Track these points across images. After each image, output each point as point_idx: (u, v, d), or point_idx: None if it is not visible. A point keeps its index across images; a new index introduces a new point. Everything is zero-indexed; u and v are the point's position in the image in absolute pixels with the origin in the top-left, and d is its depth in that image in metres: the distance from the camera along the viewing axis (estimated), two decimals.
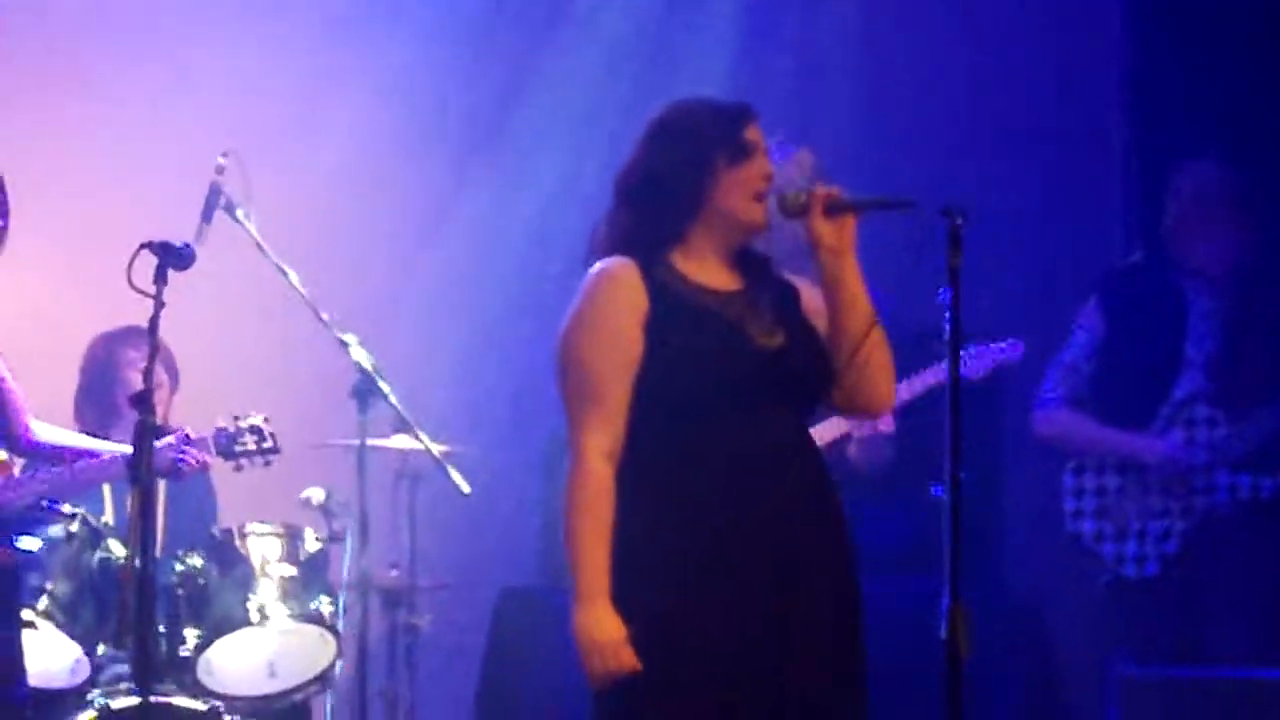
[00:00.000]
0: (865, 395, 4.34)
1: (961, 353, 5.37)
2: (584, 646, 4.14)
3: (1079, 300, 6.41)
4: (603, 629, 4.12)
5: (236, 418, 5.93)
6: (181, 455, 5.83)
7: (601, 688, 4.14)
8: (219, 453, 5.90)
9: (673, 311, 4.20)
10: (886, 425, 5.88)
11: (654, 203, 4.28)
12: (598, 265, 4.26)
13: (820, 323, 4.31)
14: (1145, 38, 7.20)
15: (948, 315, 4.10)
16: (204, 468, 5.94)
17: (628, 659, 4.10)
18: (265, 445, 5.92)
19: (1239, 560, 6.14)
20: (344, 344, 6.09)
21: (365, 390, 6.12)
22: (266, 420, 5.95)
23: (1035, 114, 7.28)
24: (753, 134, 4.30)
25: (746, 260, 4.35)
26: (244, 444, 5.91)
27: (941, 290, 4.11)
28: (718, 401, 4.18)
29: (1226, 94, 6.84)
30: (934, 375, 5.88)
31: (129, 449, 5.24)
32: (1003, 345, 6.16)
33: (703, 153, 4.25)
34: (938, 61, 7.35)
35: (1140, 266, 6.48)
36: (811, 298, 4.34)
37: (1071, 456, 6.32)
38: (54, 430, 5.82)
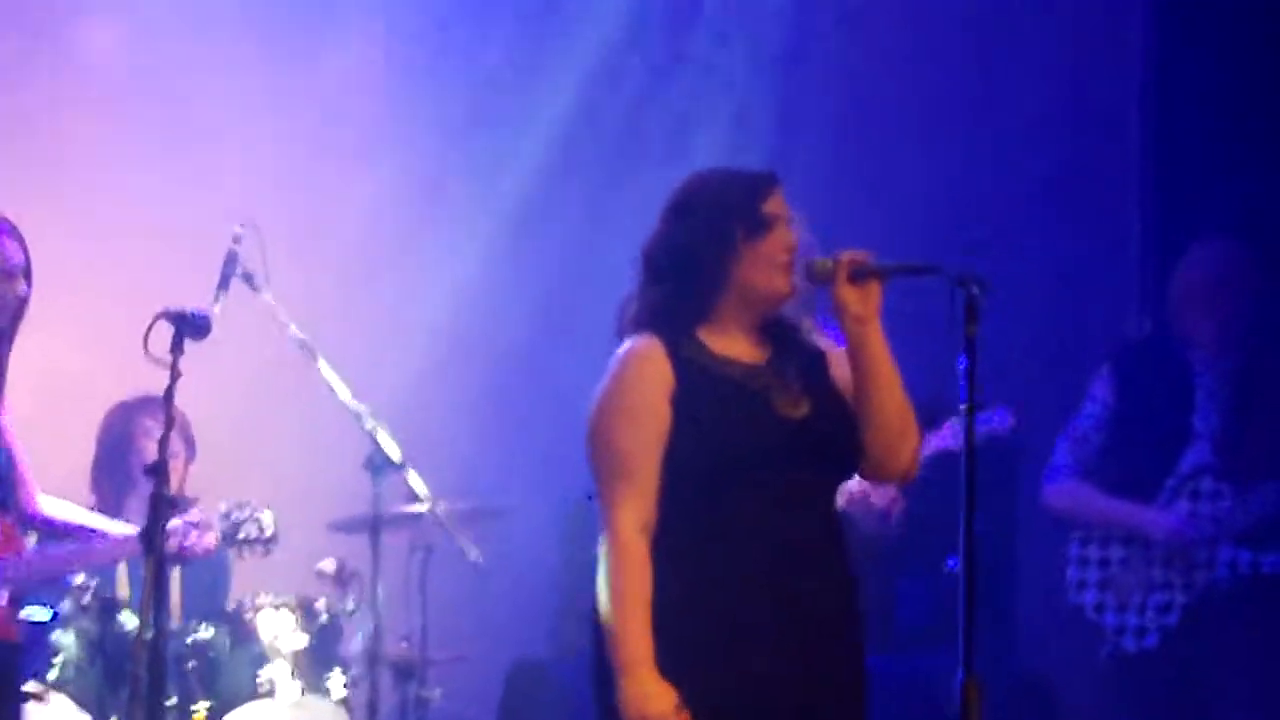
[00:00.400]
0: (891, 462, 4.31)
1: (952, 423, 5.74)
2: (632, 716, 4.10)
3: (1095, 368, 6.38)
4: (653, 701, 4.09)
5: (240, 505, 5.92)
6: (186, 542, 5.79)
7: None
8: (224, 538, 5.90)
9: (699, 386, 4.20)
10: (898, 500, 5.88)
11: (679, 279, 4.27)
12: (625, 345, 4.26)
13: (849, 388, 4.30)
14: (1166, 99, 7.23)
15: (963, 384, 4.07)
16: (208, 554, 5.90)
17: None
18: (265, 536, 5.90)
19: (1239, 635, 6.11)
20: (358, 416, 6.04)
21: (379, 461, 6.07)
22: (267, 509, 5.92)
23: (1053, 178, 7.30)
24: (773, 205, 4.28)
25: (774, 329, 4.33)
26: (246, 534, 5.90)
27: (959, 359, 4.07)
28: (745, 473, 4.17)
29: (1247, 160, 6.88)
30: (938, 441, 5.84)
31: (134, 530, 5.27)
32: (990, 415, 6.10)
33: (722, 228, 4.24)
34: (952, 120, 7.40)
35: (1150, 340, 6.50)
36: (840, 364, 4.32)
37: (1078, 528, 6.28)
38: (63, 505, 5.79)
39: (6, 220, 5.43)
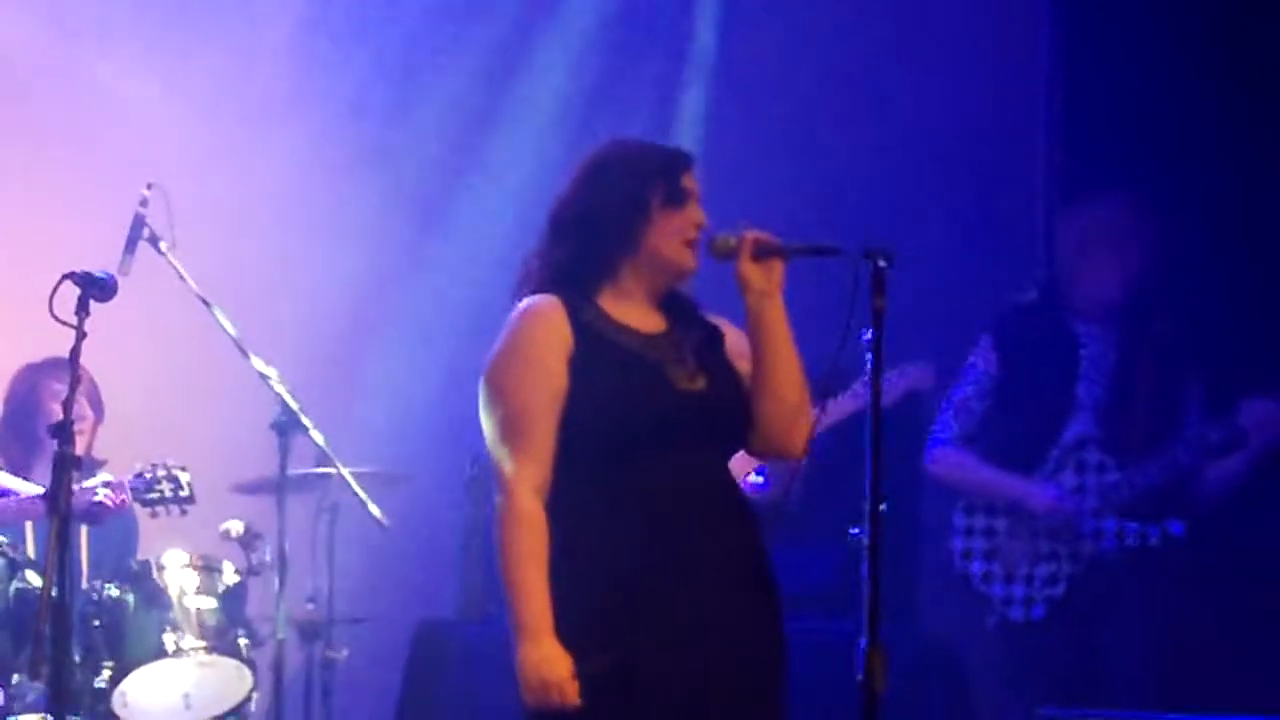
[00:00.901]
0: (784, 438, 4.24)
1: (861, 384, 5.59)
2: (530, 682, 4.02)
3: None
4: (549, 665, 4.01)
5: (155, 464, 5.91)
6: (99, 501, 5.81)
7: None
8: (135, 498, 5.89)
9: (596, 351, 4.13)
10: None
11: (587, 239, 4.18)
12: (524, 302, 4.17)
13: (742, 365, 4.24)
14: (1071, 76, 7.16)
15: (869, 356, 4.03)
16: (120, 510, 5.90)
17: (572, 695, 4.00)
18: (181, 494, 5.91)
19: (1125, 606, 6.02)
20: (265, 377, 5.97)
21: (286, 423, 6.00)
22: (184, 469, 5.93)
23: (961, 144, 7.29)
24: (689, 181, 4.21)
25: (673, 302, 4.26)
26: (160, 491, 5.89)
27: (864, 330, 4.03)
28: (638, 442, 4.09)
29: (1147, 138, 6.82)
30: (850, 402, 5.78)
31: (42, 489, 5.37)
32: (914, 368, 6.13)
33: (639, 193, 4.16)
34: (862, 97, 7.38)
35: (1034, 306, 6.28)
36: (735, 340, 4.26)
37: (962, 496, 6.20)
38: None
39: None
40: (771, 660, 4.16)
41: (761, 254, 4.12)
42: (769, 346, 4.15)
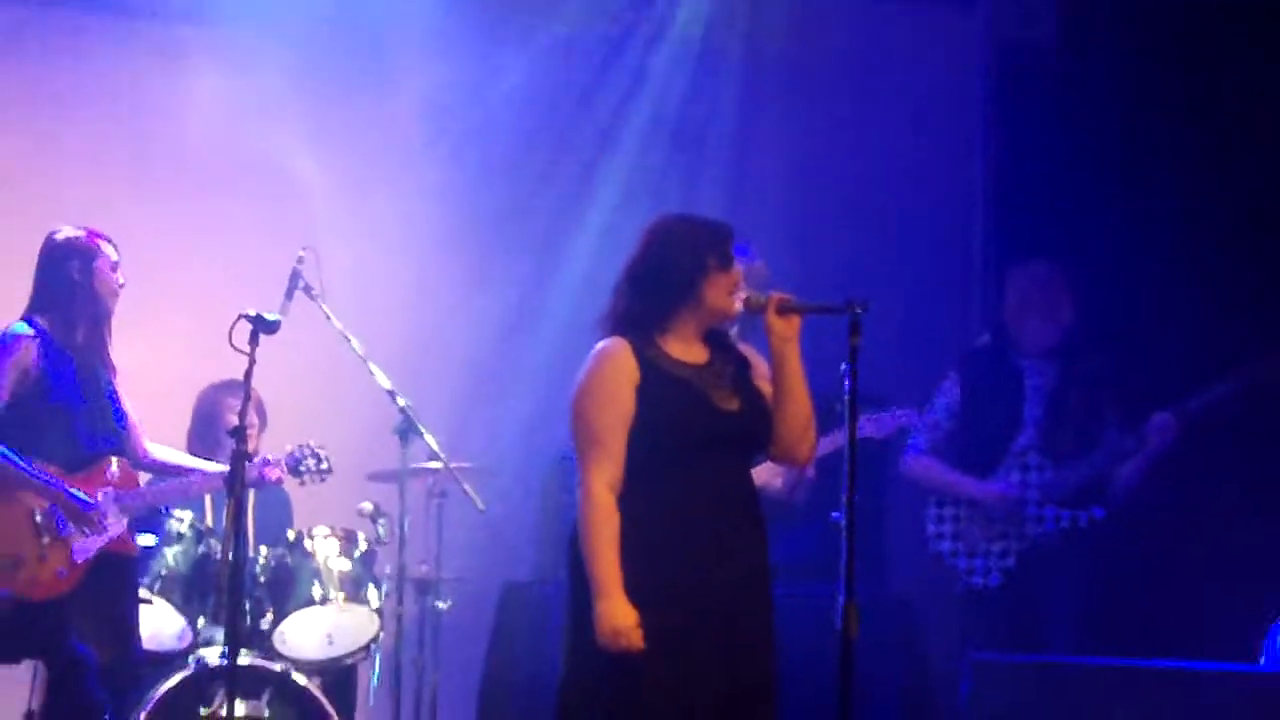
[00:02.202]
0: (795, 450, 4.42)
1: (874, 416, 5.96)
2: (604, 629, 4.16)
3: (945, 371, 6.45)
4: (620, 617, 4.15)
5: (302, 445, 5.92)
6: (264, 471, 5.85)
7: (611, 660, 4.16)
8: (289, 471, 5.90)
9: (657, 382, 4.28)
10: (810, 472, 5.90)
11: (656, 291, 4.33)
12: (600, 345, 4.33)
13: (765, 386, 4.40)
14: (1002, 164, 7.21)
15: (847, 385, 4.17)
16: (279, 481, 5.92)
17: (638, 640, 4.15)
18: (322, 467, 5.92)
19: (1062, 574, 6.14)
20: (390, 393, 6.04)
21: (405, 428, 6.10)
22: (323, 447, 5.93)
23: (911, 222, 7.31)
24: (730, 247, 4.39)
25: (712, 336, 4.42)
26: (307, 465, 5.90)
27: (843, 365, 4.19)
28: (689, 450, 4.27)
29: (1065, 211, 6.89)
30: (844, 435, 5.75)
31: (224, 468, 5.51)
32: (904, 412, 6.23)
33: (701, 256, 4.32)
34: (832, 187, 7.33)
35: (987, 348, 6.41)
36: (760, 365, 4.42)
37: (929, 494, 6.31)
38: (165, 450, 5.88)
39: (102, 233, 5.56)
40: (768, 622, 4.35)
41: (784, 310, 4.29)
42: (786, 380, 4.32)
